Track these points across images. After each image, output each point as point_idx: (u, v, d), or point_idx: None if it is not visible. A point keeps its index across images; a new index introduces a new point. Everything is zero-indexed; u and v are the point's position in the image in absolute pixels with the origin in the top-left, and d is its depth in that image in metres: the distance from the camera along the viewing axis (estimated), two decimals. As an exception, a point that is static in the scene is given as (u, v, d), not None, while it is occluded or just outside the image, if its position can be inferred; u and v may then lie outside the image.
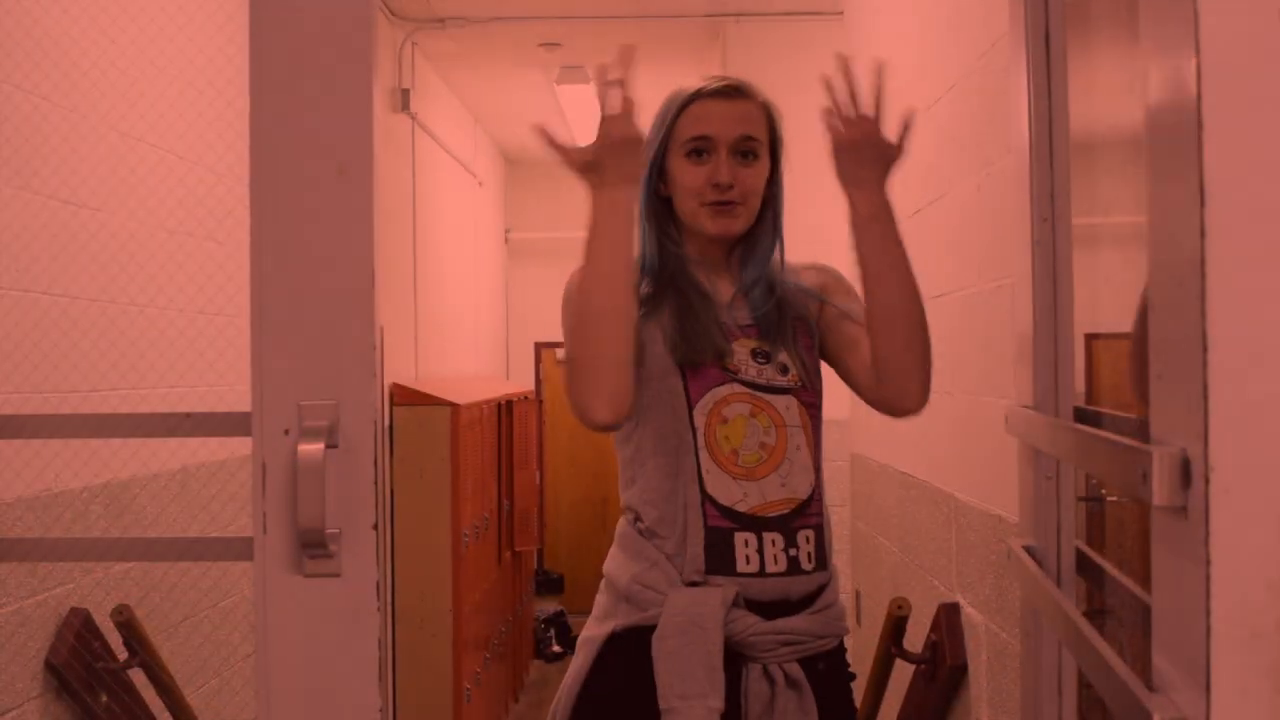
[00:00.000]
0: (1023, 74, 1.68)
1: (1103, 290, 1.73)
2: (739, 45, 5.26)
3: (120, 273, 3.05)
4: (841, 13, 4.58)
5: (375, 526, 1.45)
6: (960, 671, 2.76)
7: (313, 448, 1.42)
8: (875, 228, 1.79)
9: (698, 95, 1.88)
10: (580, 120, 7.04)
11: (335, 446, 1.44)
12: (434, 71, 6.08)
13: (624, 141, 1.67)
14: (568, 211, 9.32)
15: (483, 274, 7.63)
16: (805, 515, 1.82)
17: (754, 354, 1.86)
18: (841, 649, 1.88)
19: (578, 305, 1.74)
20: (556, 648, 7.52)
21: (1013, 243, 1.80)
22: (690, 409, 1.81)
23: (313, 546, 1.44)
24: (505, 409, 6.32)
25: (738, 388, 1.82)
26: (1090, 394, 1.77)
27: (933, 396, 3.08)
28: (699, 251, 1.93)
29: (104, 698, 2.86)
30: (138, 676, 2.98)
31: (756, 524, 1.79)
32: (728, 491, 1.80)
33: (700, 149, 1.86)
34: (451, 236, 6.57)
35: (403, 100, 5.35)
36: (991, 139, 2.48)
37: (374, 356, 1.45)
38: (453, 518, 5.05)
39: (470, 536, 5.26)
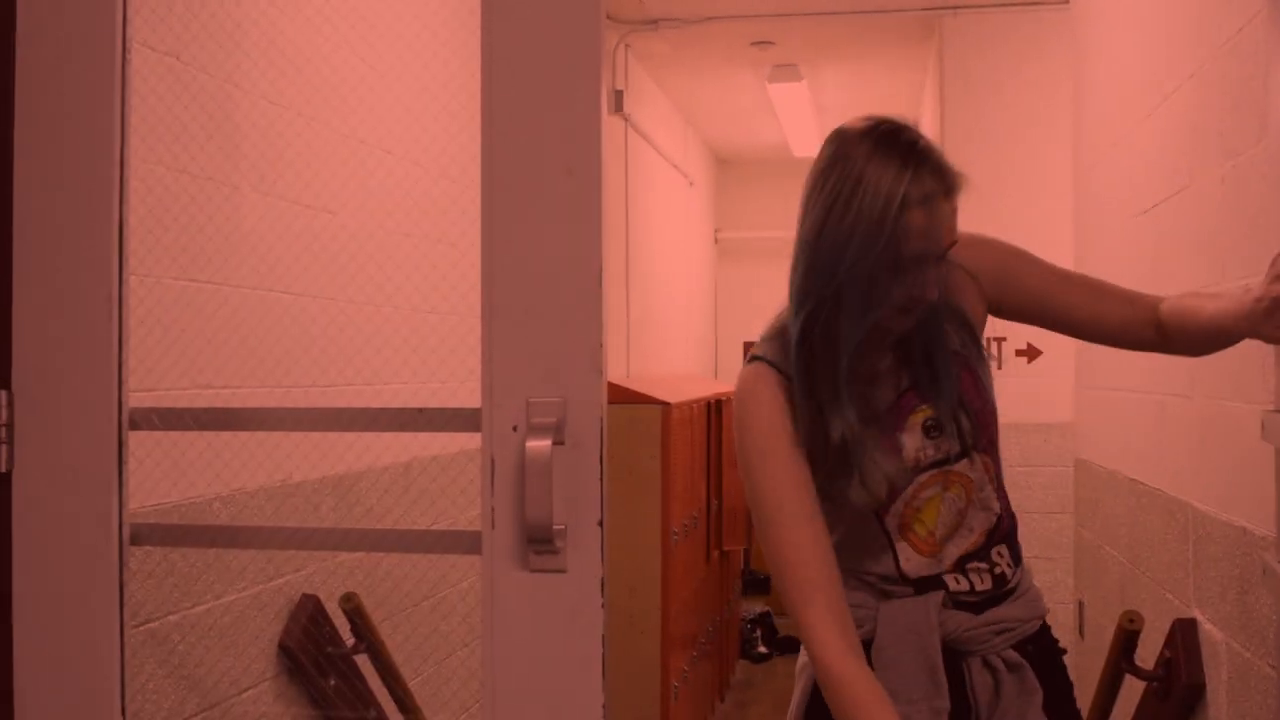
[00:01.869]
0: (1278, 58, 1.58)
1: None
2: (956, 40, 5.11)
3: (359, 273, 3.18)
4: (1068, 1, 4.40)
5: (601, 523, 1.46)
6: (1197, 691, 2.62)
7: (541, 444, 1.44)
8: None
9: (934, 195, 1.61)
10: (790, 119, 6.98)
11: (562, 443, 1.45)
12: (646, 73, 6.14)
13: None
14: (777, 211, 9.31)
15: (692, 273, 7.67)
16: (994, 538, 1.81)
17: (926, 430, 1.77)
18: (1046, 628, 1.86)
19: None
20: (762, 648, 7.49)
21: (1264, 237, 1.69)
22: (881, 520, 1.78)
23: (539, 542, 1.45)
24: (714, 408, 6.33)
25: (922, 477, 1.77)
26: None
27: (1166, 399, 2.94)
28: None
29: (332, 680, 2.98)
30: (362, 661, 3.10)
31: (958, 565, 1.79)
32: (924, 567, 1.79)
33: (917, 260, 1.64)
34: (662, 236, 6.62)
35: (616, 102, 5.42)
36: (1237, 128, 2.34)
37: (601, 354, 1.46)
38: (663, 516, 5.08)
39: (679, 535, 5.28)
